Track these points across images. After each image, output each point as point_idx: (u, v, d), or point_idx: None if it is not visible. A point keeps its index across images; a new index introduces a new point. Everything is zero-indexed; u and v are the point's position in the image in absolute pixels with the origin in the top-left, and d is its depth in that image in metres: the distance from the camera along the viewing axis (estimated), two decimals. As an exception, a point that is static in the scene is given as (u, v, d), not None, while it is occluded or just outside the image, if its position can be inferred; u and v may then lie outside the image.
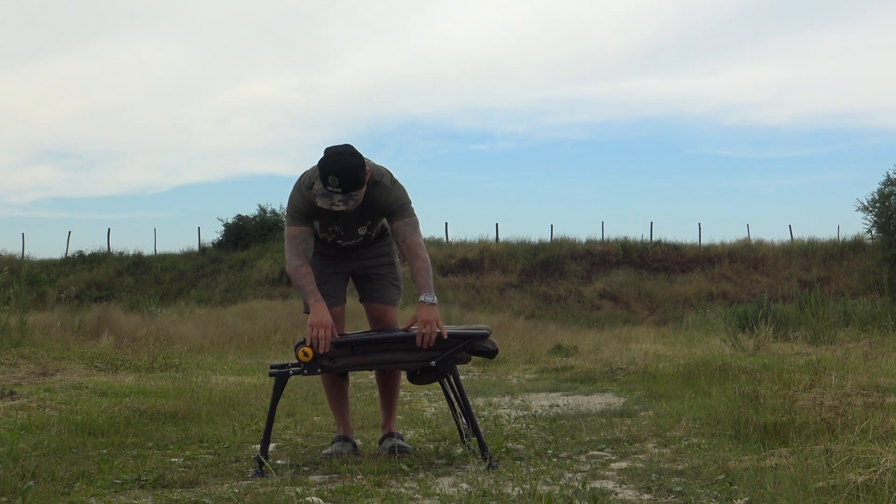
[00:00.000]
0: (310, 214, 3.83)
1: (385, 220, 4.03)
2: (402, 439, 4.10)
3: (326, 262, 4.07)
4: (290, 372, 3.72)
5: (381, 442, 4.10)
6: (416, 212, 3.92)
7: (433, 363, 3.70)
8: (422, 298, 3.71)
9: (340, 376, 4.08)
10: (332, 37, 61.00)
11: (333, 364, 3.70)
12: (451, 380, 3.81)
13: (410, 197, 3.92)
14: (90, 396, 5.79)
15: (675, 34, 61.25)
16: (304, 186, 3.81)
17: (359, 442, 4.24)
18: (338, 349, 3.70)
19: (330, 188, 3.63)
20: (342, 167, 3.61)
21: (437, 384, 4.43)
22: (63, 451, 3.86)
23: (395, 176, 3.92)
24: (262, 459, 3.56)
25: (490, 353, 3.86)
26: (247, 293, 25.72)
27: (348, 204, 3.66)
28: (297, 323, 13.07)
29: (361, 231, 3.98)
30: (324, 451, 4.00)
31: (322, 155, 3.71)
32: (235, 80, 59.68)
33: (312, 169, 3.81)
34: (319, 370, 3.71)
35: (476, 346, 3.80)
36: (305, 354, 3.66)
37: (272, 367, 3.80)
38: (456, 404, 3.98)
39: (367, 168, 3.72)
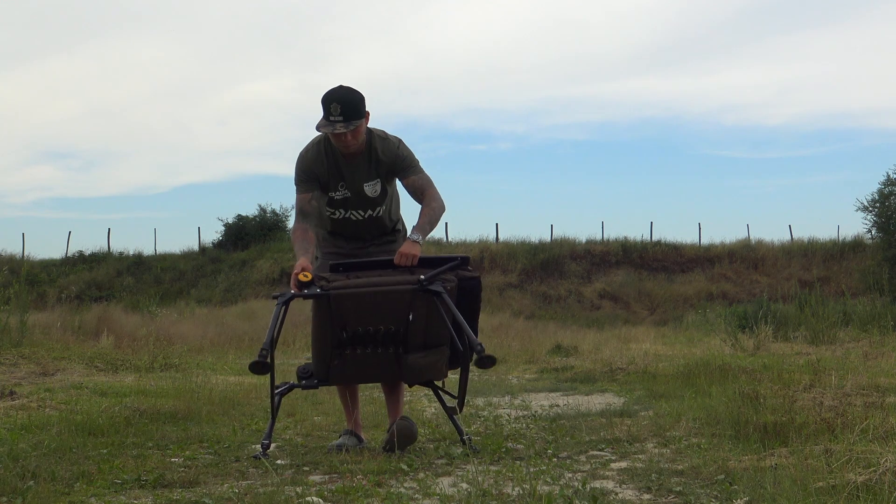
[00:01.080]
0: (309, 179, 4.07)
1: (392, 209, 4.21)
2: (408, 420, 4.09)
3: (337, 260, 4.20)
4: (292, 293, 3.87)
5: (388, 430, 4.09)
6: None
7: (422, 277, 3.86)
8: (410, 235, 4.00)
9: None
10: (332, 37, 61.05)
11: (329, 285, 3.85)
12: (441, 301, 3.87)
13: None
14: (90, 396, 5.79)
15: (674, 34, 61.28)
16: (307, 146, 4.09)
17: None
18: (332, 274, 3.94)
19: (332, 117, 3.88)
20: (343, 95, 3.90)
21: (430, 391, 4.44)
22: (63, 451, 3.86)
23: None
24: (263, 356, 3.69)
25: (475, 280, 4.03)
26: (247, 293, 25.72)
27: (348, 129, 3.87)
28: (297, 323, 13.06)
29: (369, 191, 4.08)
30: (330, 444, 4.08)
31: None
32: (235, 80, 59.72)
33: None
34: (319, 290, 3.84)
35: (460, 274, 3.97)
36: (305, 275, 3.83)
37: (274, 295, 4.00)
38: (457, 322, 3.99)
39: (368, 111, 3.97)
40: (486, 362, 3.71)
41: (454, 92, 60.83)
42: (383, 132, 4.12)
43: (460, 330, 3.87)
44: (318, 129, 3.94)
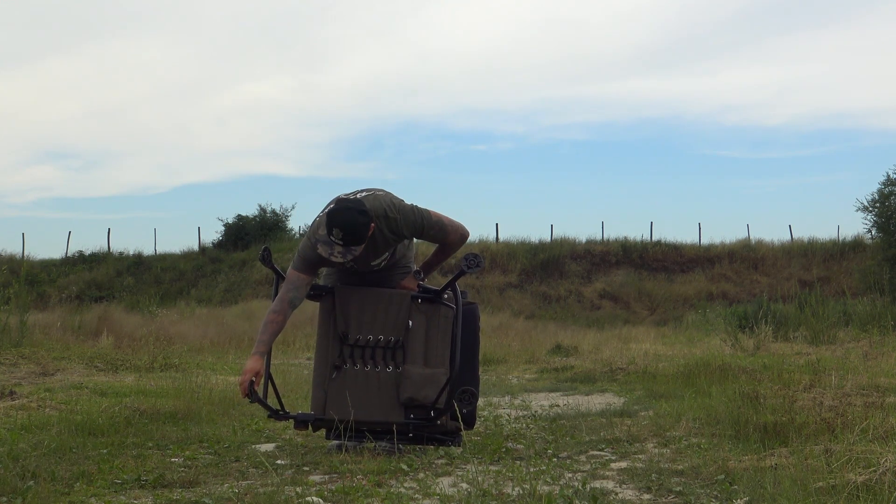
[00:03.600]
0: (314, 265, 3.95)
1: (397, 257, 4.20)
2: None
3: (344, 280, 4.22)
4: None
5: None
6: (428, 210, 4.08)
7: (422, 279, 4.12)
8: (415, 272, 4.15)
9: None
10: (332, 37, 61.02)
11: (336, 286, 4.10)
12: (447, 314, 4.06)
13: (413, 204, 4.07)
14: (90, 396, 5.79)
15: (674, 35, 61.27)
16: (314, 234, 3.88)
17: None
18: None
19: (333, 238, 3.74)
20: (347, 223, 3.72)
21: None
22: (63, 451, 3.86)
23: (394, 195, 4.05)
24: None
25: (472, 305, 4.20)
26: (247, 293, 25.71)
27: (346, 257, 3.77)
28: (296, 323, 13.05)
29: (375, 263, 4.10)
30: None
31: (333, 204, 3.82)
32: (235, 80, 59.71)
33: (322, 216, 3.87)
34: (328, 286, 4.10)
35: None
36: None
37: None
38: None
39: (372, 224, 3.81)
40: (466, 399, 3.80)
41: (454, 92, 60.83)
42: (382, 207, 3.91)
43: (466, 360, 3.97)
44: (316, 245, 3.80)
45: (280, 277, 4.06)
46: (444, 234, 4.06)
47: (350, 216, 3.74)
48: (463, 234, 4.12)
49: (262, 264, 3.92)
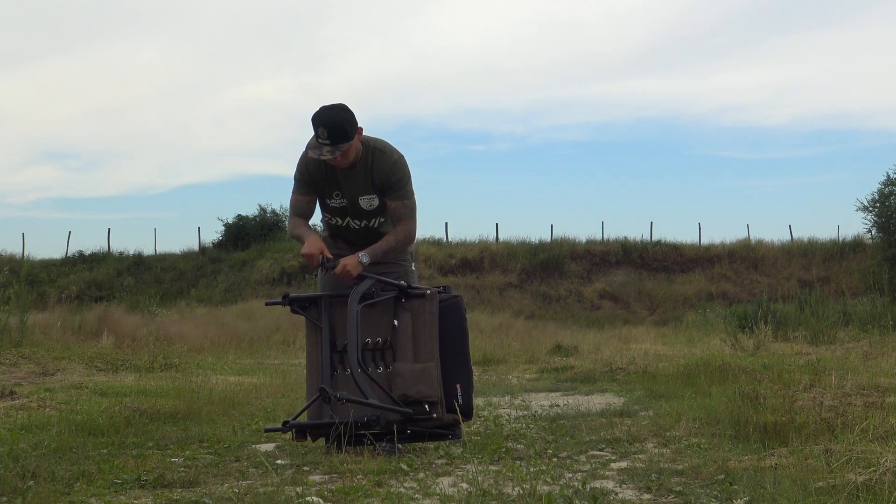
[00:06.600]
0: (309, 182, 4.11)
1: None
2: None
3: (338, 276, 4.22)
4: (291, 296, 4.11)
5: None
6: (413, 194, 4.13)
7: (404, 283, 4.04)
8: (360, 252, 4.01)
9: None
10: (331, 38, 61.04)
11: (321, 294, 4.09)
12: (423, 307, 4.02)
13: (413, 187, 4.14)
14: (90, 396, 5.78)
15: (673, 35, 61.27)
16: (304, 153, 4.07)
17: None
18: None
19: (320, 140, 3.89)
20: (330, 120, 3.87)
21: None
22: (63, 451, 3.86)
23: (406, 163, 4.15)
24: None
25: (457, 299, 4.11)
26: (247, 293, 25.72)
27: (335, 155, 3.88)
28: (297, 323, 13.04)
29: (364, 204, 4.08)
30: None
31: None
32: (235, 81, 59.73)
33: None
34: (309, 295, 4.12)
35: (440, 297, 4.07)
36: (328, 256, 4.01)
37: (268, 302, 4.48)
38: None
39: (360, 127, 3.95)
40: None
41: (454, 92, 60.88)
42: (384, 145, 4.07)
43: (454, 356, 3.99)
44: (307, 150, 3.98)
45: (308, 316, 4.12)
46: (403, 216, 4.07)
47: (332, 114, 3.89)
48: (410, 234, 4.13)
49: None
